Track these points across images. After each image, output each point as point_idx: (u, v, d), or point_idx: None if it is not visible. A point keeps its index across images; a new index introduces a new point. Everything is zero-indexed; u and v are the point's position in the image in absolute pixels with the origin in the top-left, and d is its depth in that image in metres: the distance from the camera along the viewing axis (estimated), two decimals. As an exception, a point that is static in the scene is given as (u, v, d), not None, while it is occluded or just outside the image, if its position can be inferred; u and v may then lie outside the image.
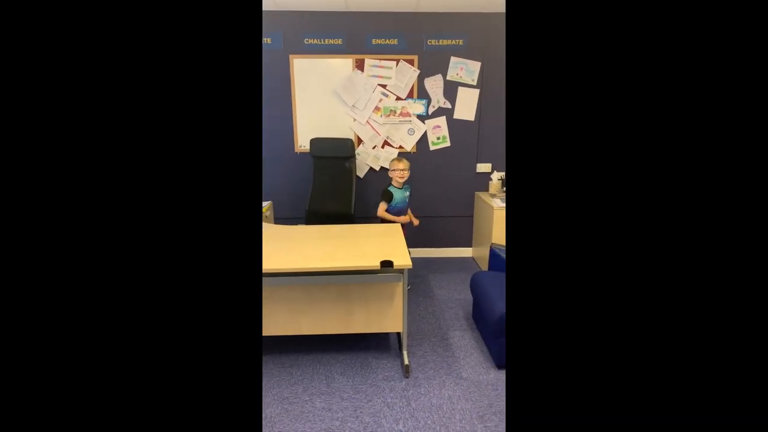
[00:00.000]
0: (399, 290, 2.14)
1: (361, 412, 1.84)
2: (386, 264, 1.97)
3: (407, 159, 2.94)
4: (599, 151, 0.47)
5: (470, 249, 3.86)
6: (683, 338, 0.43)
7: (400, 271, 2.05)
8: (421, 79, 3.45)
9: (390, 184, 2.89)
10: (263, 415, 1.88)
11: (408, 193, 2.95)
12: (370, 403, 1.90)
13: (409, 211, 3.02)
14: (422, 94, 3.48)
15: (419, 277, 3.30)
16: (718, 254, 0.42)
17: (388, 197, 2.82)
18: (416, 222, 2.99)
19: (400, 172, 2.84)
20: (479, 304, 2.37)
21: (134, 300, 0.47)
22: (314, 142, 3.34)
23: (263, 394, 1.97)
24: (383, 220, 2.85)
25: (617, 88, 0.45)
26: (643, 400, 0.44)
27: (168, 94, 0.51)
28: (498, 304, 2.10)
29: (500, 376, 2.09)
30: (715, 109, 0.40)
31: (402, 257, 2.04)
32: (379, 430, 1.74)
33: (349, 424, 1.77)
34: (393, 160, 2.92)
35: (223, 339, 0.52)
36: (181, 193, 0.52)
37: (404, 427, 1.76)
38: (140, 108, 0.50)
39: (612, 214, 0.46)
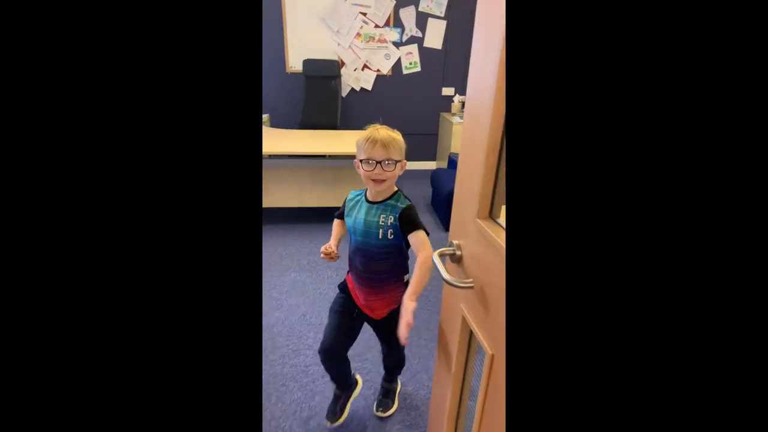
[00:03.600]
0: (377, 173, 2.92)
1: (350, 251, 2.69)
2: (368, 151, 2.71)
3: (393, 128, 1.29)
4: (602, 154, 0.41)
5: (434, 162, 4.64)
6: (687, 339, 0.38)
7: (378, 158, 2.81)
8: (396, 9, 3.98)
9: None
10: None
11: (391, 218, 1.25)
12: (356, 247, 2.75)
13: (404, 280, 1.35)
14: (397, 23, 4.03)
15: (391, 180, 4.10)
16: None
17: (340, 211, 1.37)
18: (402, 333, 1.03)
19: (368, 169, 1.19)
20: (435, 187, 3.20)
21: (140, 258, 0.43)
22: (307, 62, 3.89)
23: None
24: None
25: (617, 89, 0.39)
26: (644, 403, 0.40)
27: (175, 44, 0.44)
28: (449, 184, 2.92)
29: (444, 235, 2.97)
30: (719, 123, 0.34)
31: (379, 147, 2.80)
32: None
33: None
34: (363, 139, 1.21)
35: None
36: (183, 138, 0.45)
37: (379, 257, 2.63)
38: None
39: (611, 215, 0.41)
